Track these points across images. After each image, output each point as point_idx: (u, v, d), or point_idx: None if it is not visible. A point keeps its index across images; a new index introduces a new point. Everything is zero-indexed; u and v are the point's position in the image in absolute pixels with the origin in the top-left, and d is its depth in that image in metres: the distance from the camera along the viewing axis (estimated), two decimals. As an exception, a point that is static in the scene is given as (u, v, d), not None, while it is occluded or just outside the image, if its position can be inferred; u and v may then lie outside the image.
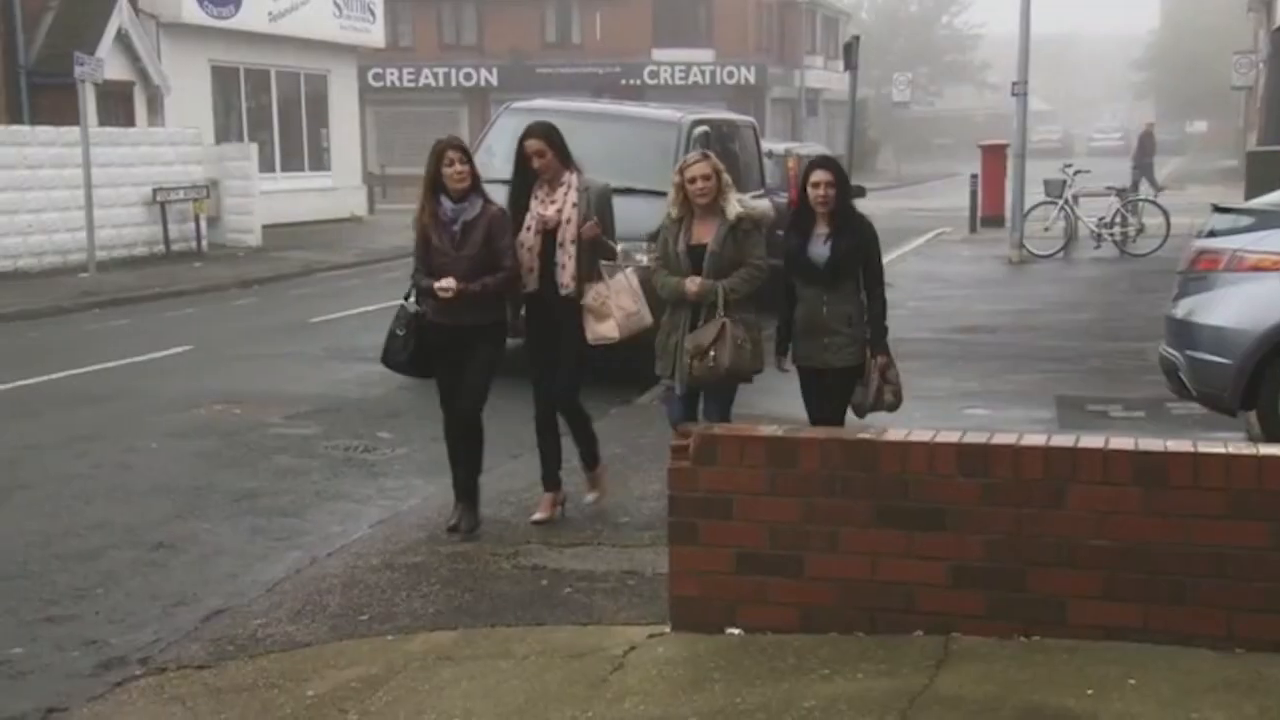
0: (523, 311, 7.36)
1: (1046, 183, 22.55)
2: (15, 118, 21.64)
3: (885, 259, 8.11)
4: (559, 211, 7.10)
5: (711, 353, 6.90)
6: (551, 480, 7.50)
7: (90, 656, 5.71)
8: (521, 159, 7.15)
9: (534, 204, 7.16)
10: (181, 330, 14.92)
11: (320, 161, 30.20)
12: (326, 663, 5.44)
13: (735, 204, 7.11)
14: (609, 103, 17.69)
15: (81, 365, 12.25)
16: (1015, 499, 5.02)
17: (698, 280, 6.97)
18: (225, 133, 26.57)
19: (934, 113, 77.31)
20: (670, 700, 4.84)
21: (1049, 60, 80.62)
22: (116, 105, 23.46)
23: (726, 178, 7.16)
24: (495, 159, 12.52)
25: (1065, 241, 21.63)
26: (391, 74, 45.63)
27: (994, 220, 25.25)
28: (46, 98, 21.82)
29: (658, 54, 47.36)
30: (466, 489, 7.27)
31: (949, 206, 31.34)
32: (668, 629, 5.53)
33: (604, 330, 7.09)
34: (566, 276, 7.12)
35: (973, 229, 25.71)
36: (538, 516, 7.33)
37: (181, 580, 6.61)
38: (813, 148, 20.51)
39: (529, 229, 7.12)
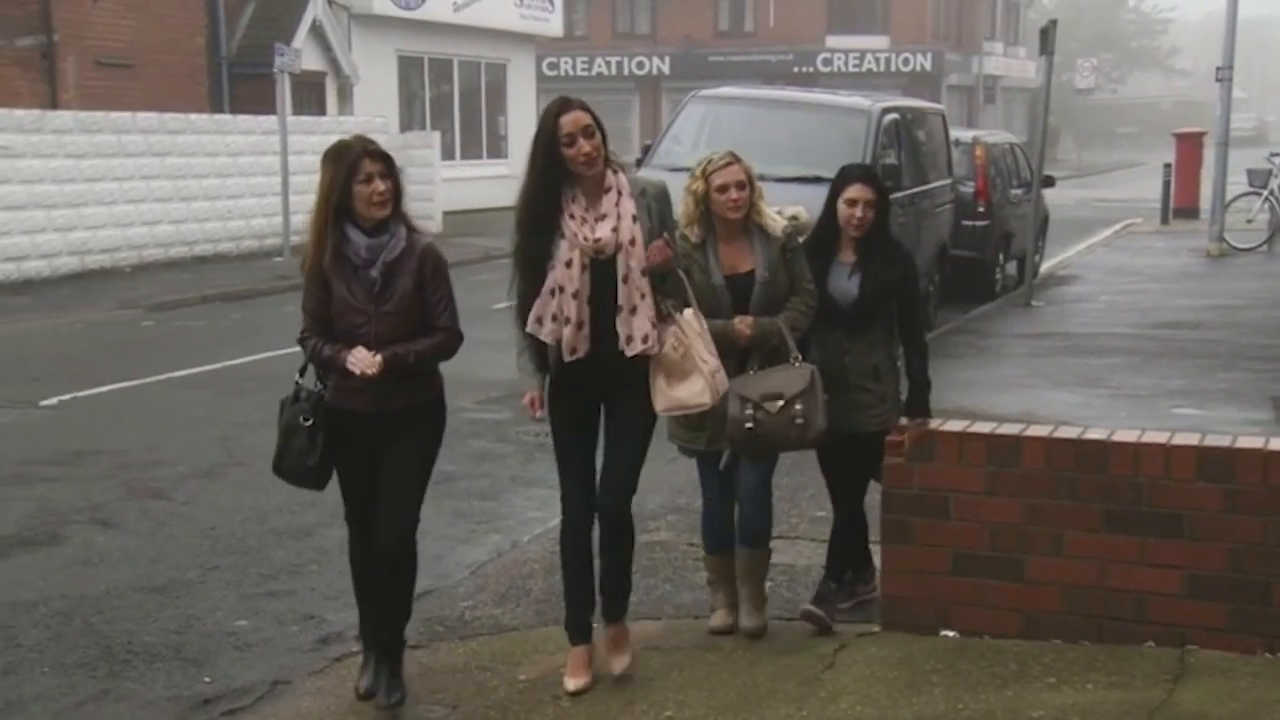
0: (548, 382, 5.08)
1: (1250, 172, 21.68)
2: (216, 107, 22.35)
3: (1073, 250, 7.47)
4: (616, 231, 4.84)
5: (798, 406, 5.17)
6: (584, 630, 5.21)
7: (310, 631, 5.86)
8: (551, 150, 4.81)
9: (569, 223, 4.84)
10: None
11: (498, 149, 30.55)
12: (534, 647, 5.47)
13: (776, 216, 5.45)
14: (796, 90, 17.46)
15: (282, 347, 12.47)
16: (1262, 506, 4.82)
17: (749, 320, 5.27)
18: (409, 121, 27.04)
19: (1117, 100, 75.16)
20: (887, 702, 4.74)
21: (1244, 44, 77.96)
22: (309, 95, 24.05)
23: (759, 184, 5.44)
24: (682, 146, 12.49)
25: (1270, 234, 20.73)
26: (566, 63, 46.01)
27: (1188, 211, 24.46)
28: (245, 87, 22.45)
29: (831, 41, 46.87)
30: (388, 641, 5.06)
31: (1136, 197, 30.47)
32: (878, 628, 5.45)
33: (688, 394, 4.96)
34: (638, 326, 4.87)
35: (1165, 220, 24.91)
36: (573, 686, 5.03)
37: (389, 561, 6.70)
38: (1001, 135, 20.03)
39: (568, 263, 4.81)
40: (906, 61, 47.17)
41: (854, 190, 5.47)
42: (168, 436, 9.25)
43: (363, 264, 4.79)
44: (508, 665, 5.29)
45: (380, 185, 4.71)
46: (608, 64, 47.61)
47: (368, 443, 4.95)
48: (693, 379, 4.94)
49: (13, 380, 11.04)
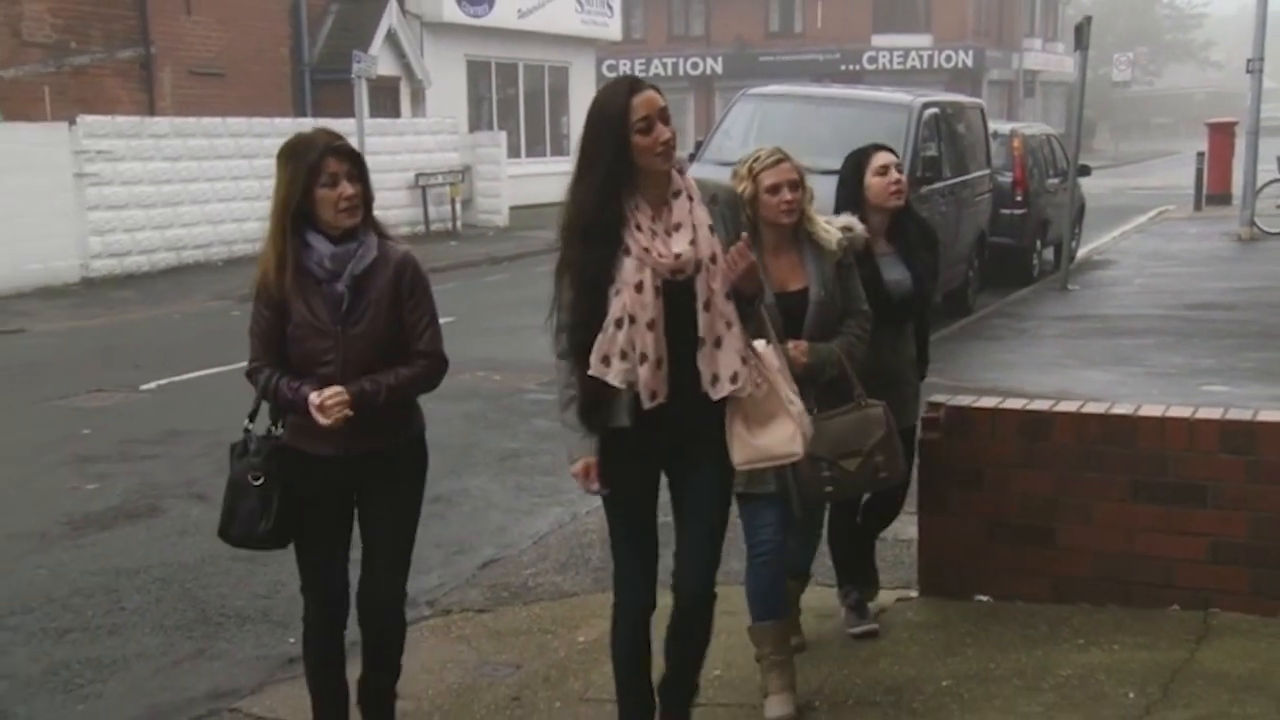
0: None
1: (1280, 159, 21.36)
2: (300, 111, 22.58)
3: (1108, 236, 7.13)
4: (694, 244, 3.63)
5: (879, 458, 4.37)
6: None
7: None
8: (621, 138, 3.56)
9: (636, 236, 3.61)
10: (445, 303, 15.01)
11: (560, 147, 30.56)
12: (593, 612, 5.47)
13: (829, 226, 4.50)
14: (840, 86, 17.39)
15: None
16: (1277, 475, 4.77)
17: (804, 346, 4.29)
18: (477, 122, 27.14)
19: (1152, 92, 74.06)
20: (923, 662, 4.76)
21: (1277, 36, 76.51)
22: (384, 98, 24.19)
23: (810, 187, 4.42)
24: (732, 141, 12.48)
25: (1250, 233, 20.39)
26: (624, 64, 45.56)
27: (1220, 198, 24.09)
28: (326, 92, 22.65)
29: (877, 40, 46.50)
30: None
31: (1170, 185, 30.04)
32: (915, 594, 5.44)
33: (775, 442, 3.77)
34: (725, 363, 3.65)
35: (1198, 207, 24.55)
36: None
37: (459, 531, 6.75)
38: (1038, 127, 19.80)
39: (638, 286, 3.59)
40: (949, 59, 46.70)
41: (881, 157, 4.81)
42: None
43: (327, 277, 3.79)
44: (568, 629, 5.32)
45: (348, 188, 3.72)
46: (664, 65, 47.47)
47: (335, 492, 3.94)
48: (779, 423, 3.78)
49: (117, 366, 11.25)
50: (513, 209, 24.66)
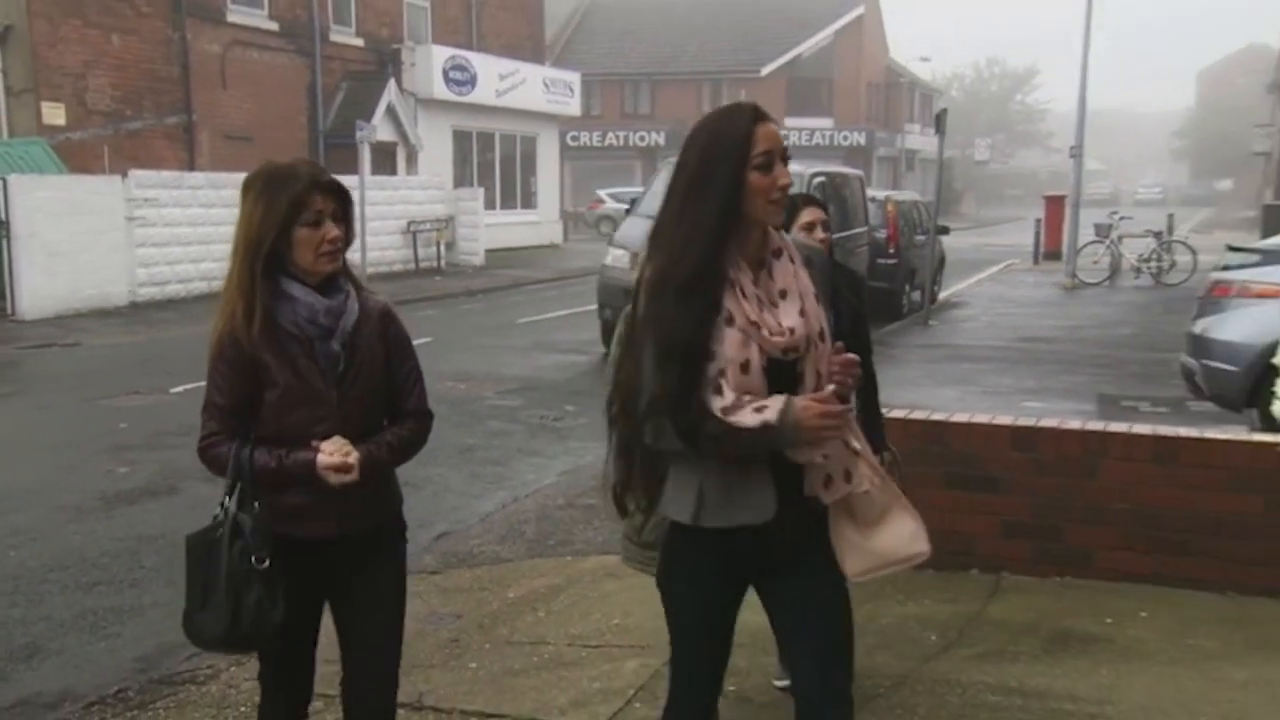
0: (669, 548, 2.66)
1: (1097, 226, 21.93)
2: (313, 168, 22.57)
3: (965, 283, 7.13)
4: (804, 315, 2.44)
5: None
6: None
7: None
8: (738, 175, 2.37)
9: (741, 303, 2.40)
10: (426, 326, 15.18)
11: (529, 201, 30.62)
12: (523, 574, 5.57)
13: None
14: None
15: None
16: (1057, 471, 4.94)
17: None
18: (460, 179, 27.13)
19: (1007, 170, 75.35)
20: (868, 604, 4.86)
21: (1103, 129, 77.97)
22: (384, 159, 24.16)
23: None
24: (660, 200, 12.59)
25: (1110, 272, 20.89)
26: (584, 136, 46.05)
27: (1053, 254, 24.50)
28: (336, 154, 22.57)
29: (789, 121, 46.85)
30: None
31: (1017, 243, 30.51)
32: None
33: (896, 542, 2.57)
34: (840, 462, 2.45)
35: (1035, 261, 24.92)
36: None
37: (420, 510, 6.74)
38: (909, 194, 20.11)
39: (744, 366, 2.38)
40: (846, 138, 47.24)
41: (808, 214, 3.84)
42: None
43: (319, 334, 2.72)
44: (502, 587, 5.37)
45: (333, 229, 2.69)
46: (616, 137, 47.64)
47: (321, 582, 2.86)
48: (897, 519, 2.55)
49: (152, 374, 11.20)
50: (489, 251, 24.68)
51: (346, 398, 2.78)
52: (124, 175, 17.09)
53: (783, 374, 2.41)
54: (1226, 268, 8.42)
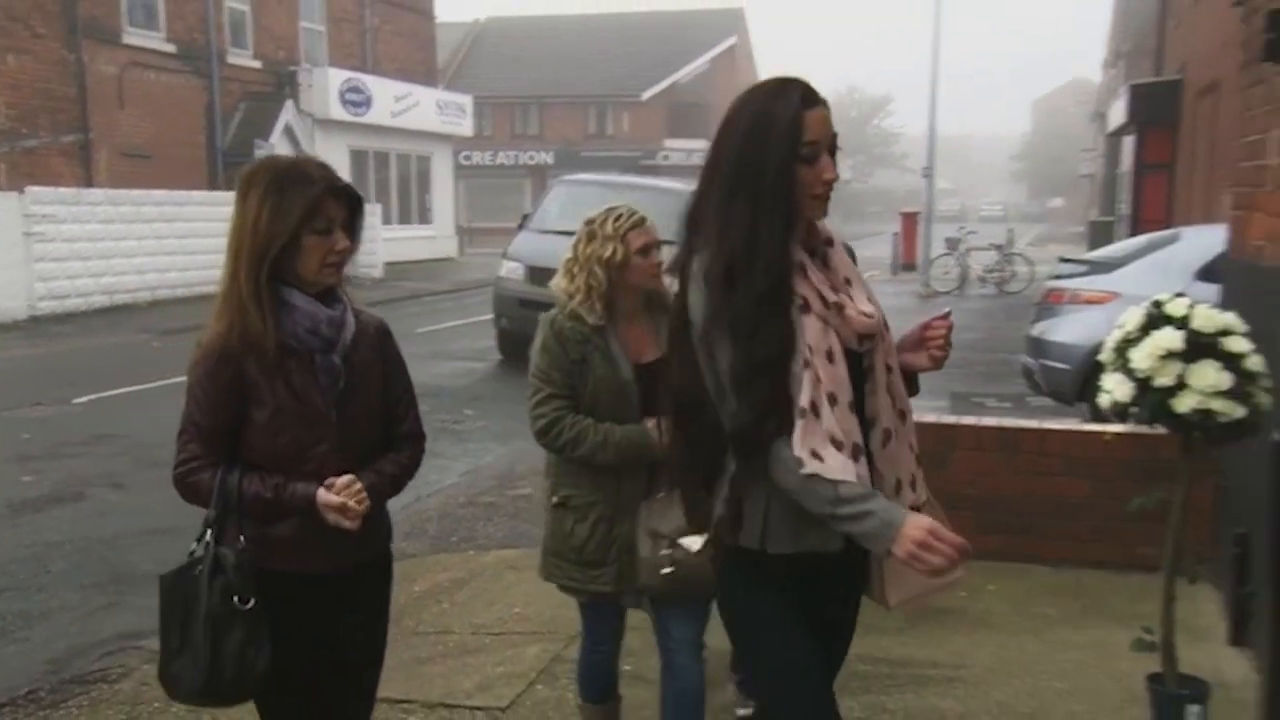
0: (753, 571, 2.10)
1: (947, 240, 22.61)
2: (213, 186, 21.83)
3: None
4: (873, 302, 2.15)
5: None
6: None
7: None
8: (790, 163, 1.96)
9: (812, 286, 2.01)
10: (326, 336, 15.08)
11: (425, 217, 30.23)
12: (427, 569, 5.54)
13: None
14: (636, 176, 17.79)
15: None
16: None
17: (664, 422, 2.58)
18: (358, 196, 26.67)
19: (867, 188, 77.28)
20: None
21: (951, 152, 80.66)
22: (281, 176, 23.64)
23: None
24: (550, 215, 12.59)
25: (959, 282, 21.60)
26: (477, 155, 45.71)
27: (909, 266, 25.26)
28: (234, 172, 21.94)
29: (668, 143, 47.27)
30: None
31: (877, 256, 31.18)
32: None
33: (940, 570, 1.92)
34: (905, 462, 2.15)
35: (894, 272, 25.67)
36: None
37: (325, 510, 6.72)
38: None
39: (829, 354, 1.98)
40: (721, 159, 47.82)
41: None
42: (170, 424, 8.99)
43: (321, 347, 2.32)
44: (408, 582, 5.28)
45: (342, 240, 2.31)
46: (508, 156, 47.40)
47: (304, 623, 2.38)
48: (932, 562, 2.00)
49: (54, 386, 10.74)
50: (387, 264, 24.34)
51: (345, 418, 2.35)
52: (20, 192, 16.35)
53: (852, 367, 2.03)
54: (1059, 277, 8.83)
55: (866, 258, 31.62)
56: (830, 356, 2.00)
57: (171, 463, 2.36)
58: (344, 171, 15.44)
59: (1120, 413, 3.55)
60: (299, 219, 2.25)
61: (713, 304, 1.99)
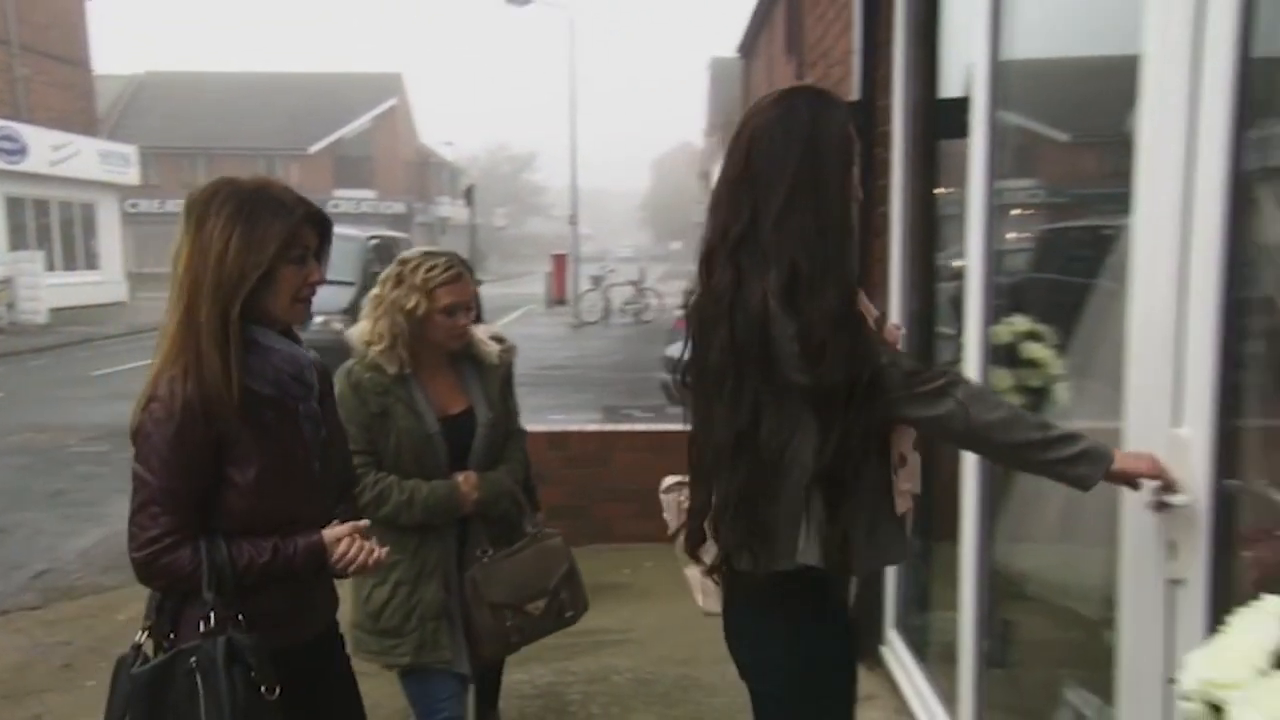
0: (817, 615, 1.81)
1: (592, 277, 23.59)
2: None
3: (497, 323, 6.98)
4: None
5: (564, 595, 2.80)
6: None
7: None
8: (846, 172, 1.72)
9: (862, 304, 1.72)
10: (-9, 384, 13.29)
11: (93, 263, 27.23)
12: (130, 598, 5.05)
13: (483, 338, 2.78)
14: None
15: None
16: (581, 462, 5.31)
17: (474, 478, 2.65)
18: (18, 243, 23.56)
19: (521, 234, 78.57)
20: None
21: (590, 202, 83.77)
22: (-71, 221, 20.45)
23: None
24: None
25: (604, 313, 22.39)
26: (144, 203, 41.80)
27: (560, 300, 25.93)
28: None
29: (337, 192, 45.61)
30: None
31: (532, 292, 31.91)
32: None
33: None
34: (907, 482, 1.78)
35: (548, 306, 26.18)
36: None
37: (14, 553, 5.95)
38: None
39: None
40: (389, 206, 46.78)
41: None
42: None
43: (303, 395, 1.89)
44: (111, 612, 4.89)
45: (316, 270, 1.89)
46: (177, 204, 43.17)
47: (297, 696, 1.85)
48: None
49: None
50: (54, 310, 21.62)
51: (327, 472, 1.91)
52: None
53: None
54: (684, 306, 9.57)
55: (524, 294, 32.33)
56: None
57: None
58: (1, 219, 13.91)
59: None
60: (276, 249, 1.78)
61: (844, 317, 1.62)
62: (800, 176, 1.67)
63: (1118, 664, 1.88)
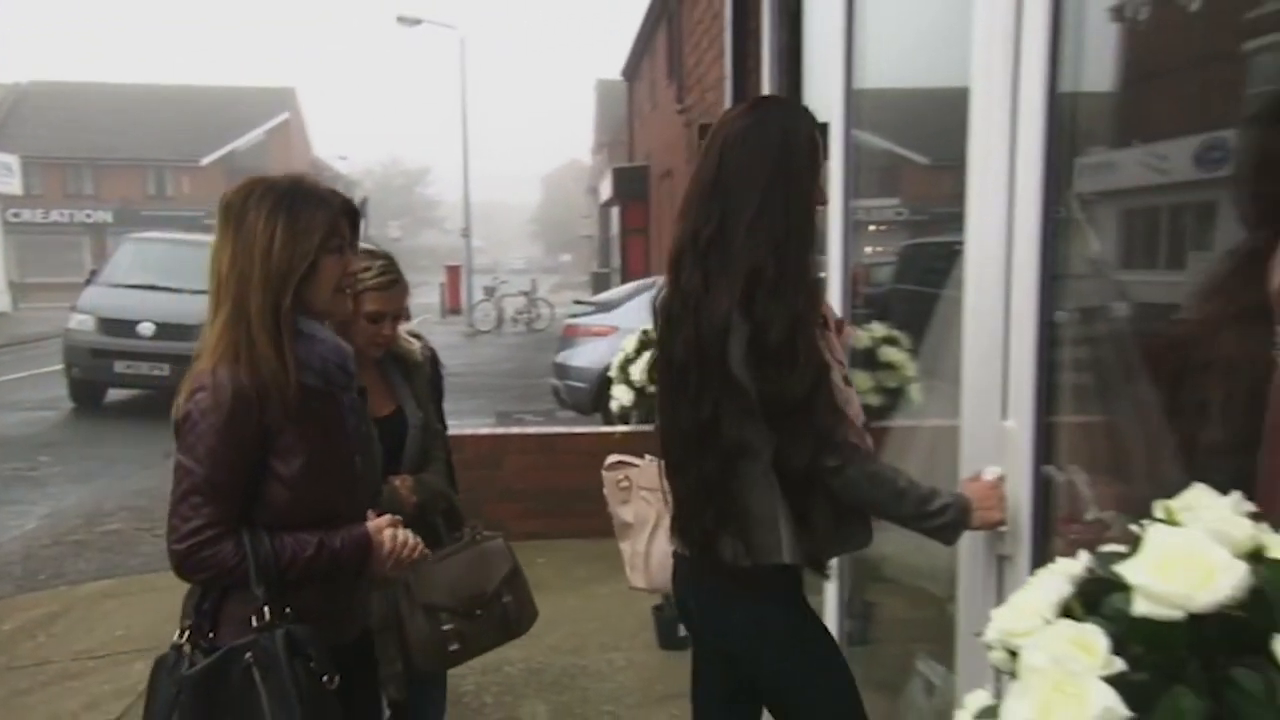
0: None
1: (485, 288, 23.31)
2: None
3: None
4: None
5: (507, 599, 2.48)
6: None
7: None
8: (812, 180, 1.72)
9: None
10: None
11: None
12: (16, 608, 4.83)
13: (406, 336, 2.57)
14: (204, 235, 16.44)
15: None
16: (475, 465, 5.27)
17: (409, 481, 2.47)
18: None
19: (417, 245, 76.91)
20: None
21: (482, 216, 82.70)
22: None
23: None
24: (121, 270, 11.38)
25: (497, 323, 22.29)
26: (27, 213, 39.35)
27: (455, 310, 25.66)
28: None
29: (231, 204, 43.98)
30: None
31: (428, 302, 31.30)
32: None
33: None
34: None
35: (443, 315, 25.86)
36: None
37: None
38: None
39: (840, 362, 1.79)
40: (282, 219, 45.33)
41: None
42: None
43: (346, 384, 1.80)
44: (-5, 624, 4.64)
45: (353, 260, 1.82)
46: (62, 214, 41.28)
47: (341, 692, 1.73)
48: None
49: None
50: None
51: (367, 465, 1.82)
52: None
53: None
54: (574, 316, 9.62)
55: (420, 304, 31.65)
56: (843, 364, 1.80)
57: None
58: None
59: (625, 415, 4.09)
60: (320, 239, 1.71)
61: (788, 327, 1.60)
62: (773, 183, 1.66)
63: (957, 634, 2.00)
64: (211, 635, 1.68)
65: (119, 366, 10.24)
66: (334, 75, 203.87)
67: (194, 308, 10.28)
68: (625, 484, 2.05)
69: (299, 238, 1.69)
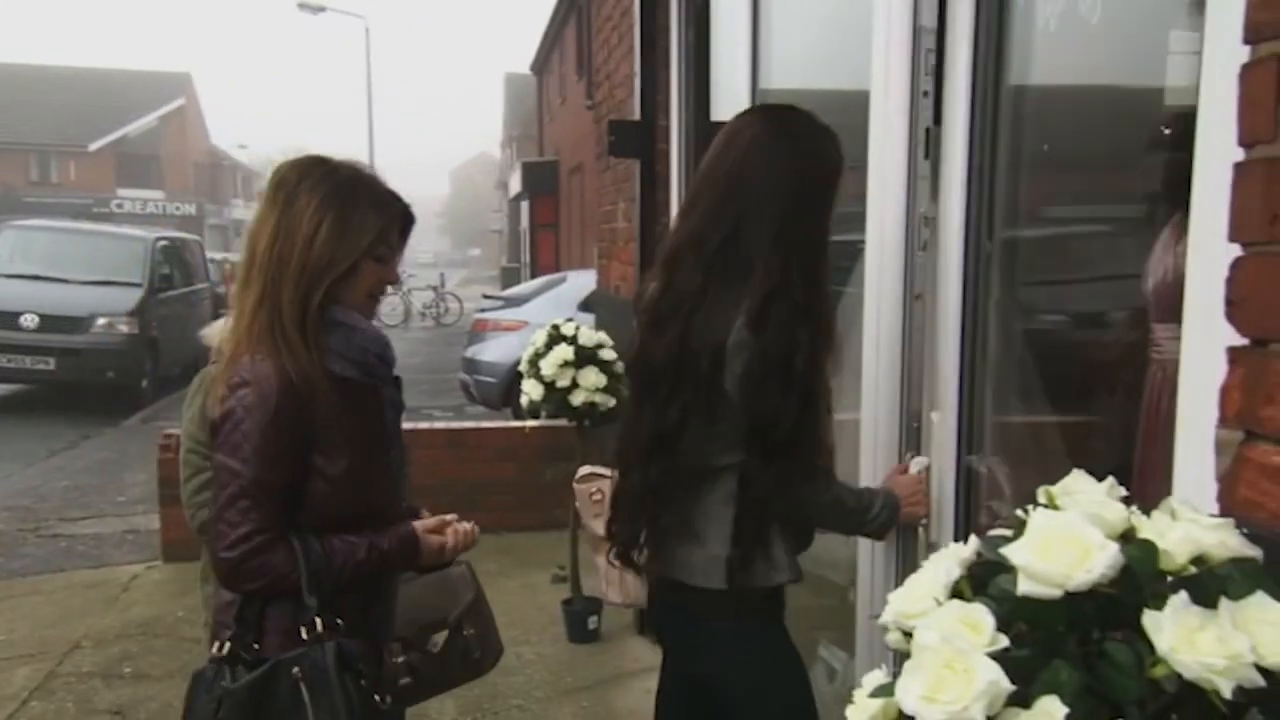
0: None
1: (392, 282, 22.94)
2: None
3: None
4: None
5: (469, 631, 1.97)
6: None
7: None
8: (829, 206, 1.66)
9: None
10: None
11: None
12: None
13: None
14: (91, 224, 15.74)
15: None
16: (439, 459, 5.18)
17: None
18: None
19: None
20: (165, 603, 4.59)
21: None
22: None
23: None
24: (1, 259, 10.76)
25: (405, 317, 21.88)
26: (-105, 197, 36.89)
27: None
28: None
29: (121, 192, 41.94)
30: None
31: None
32: (160, 562, 5.18)
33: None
34: None
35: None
36: None
37: None
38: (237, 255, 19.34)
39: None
40: (178, 208, 43.37)
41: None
42: None
43: (385, 377, 1.68)
44: None
45: (394, 273, 1.70)
46: (-66, 199, 38.87)
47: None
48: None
49: None
50: None
51: (403, 460, 1.73)
52: None
53: None
54: (484, 310, 9.53)
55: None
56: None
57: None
58: None
59: (534, 410, 4.07)
60: (369, 243, 1.59)
61: (794, 341, 1.51)
62: (800, 198, 1.56)
63: (857, 620, 2.05)
64: (257, 647, 1.54)
65: (0, 360, 9.70)
66: (234, 62, 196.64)
67: (81, 299, 9.93)
68: (598, 496, 1.95)
69: (347, 236, 1.57)
